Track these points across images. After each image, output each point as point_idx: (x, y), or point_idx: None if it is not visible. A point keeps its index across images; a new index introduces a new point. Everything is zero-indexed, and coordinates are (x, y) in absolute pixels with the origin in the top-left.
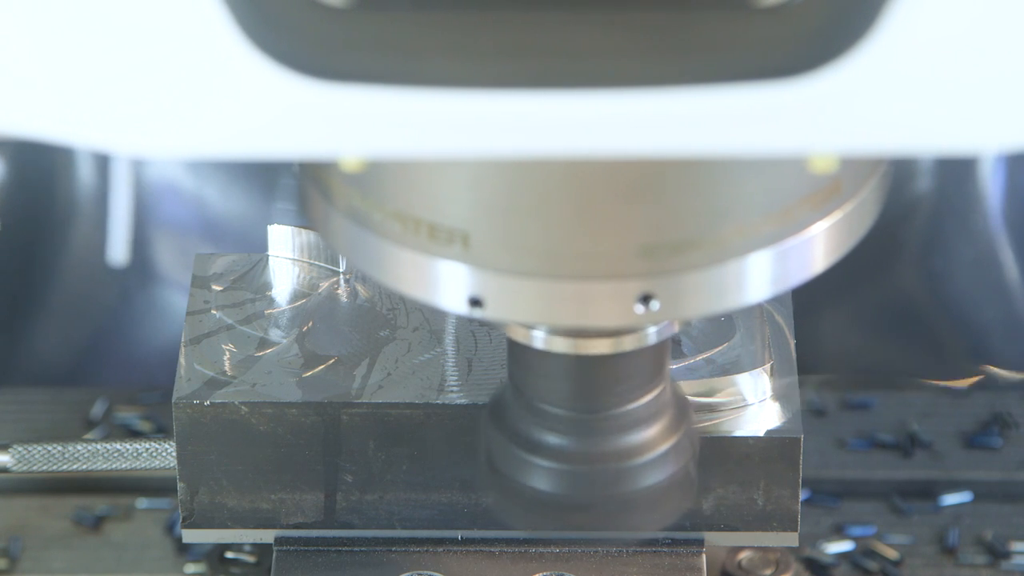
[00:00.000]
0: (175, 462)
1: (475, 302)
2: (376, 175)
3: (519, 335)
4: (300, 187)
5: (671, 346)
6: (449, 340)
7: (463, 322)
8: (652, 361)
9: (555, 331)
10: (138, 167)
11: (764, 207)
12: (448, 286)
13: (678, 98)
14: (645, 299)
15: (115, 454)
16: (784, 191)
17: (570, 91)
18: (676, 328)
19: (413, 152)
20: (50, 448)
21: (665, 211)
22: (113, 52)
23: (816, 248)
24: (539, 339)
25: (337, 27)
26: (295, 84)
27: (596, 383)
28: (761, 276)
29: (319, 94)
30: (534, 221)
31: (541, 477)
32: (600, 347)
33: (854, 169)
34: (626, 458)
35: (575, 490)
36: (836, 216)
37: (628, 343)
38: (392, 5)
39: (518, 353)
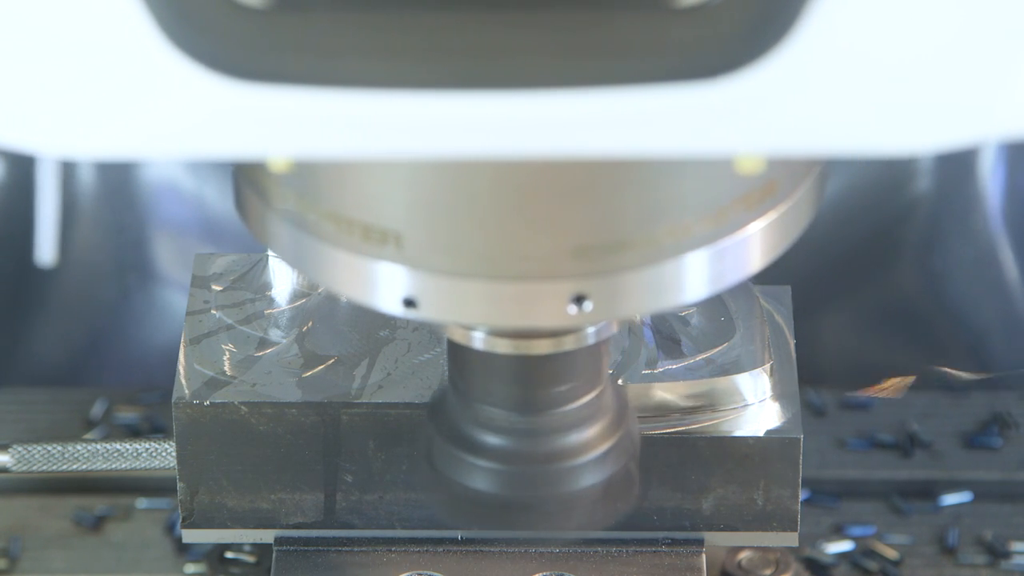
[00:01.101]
0: (175, 462)
1: (409, 303)
2: (309, 175)
3: (455, 335)
4: (236, 187)
5: (610, 346)
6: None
7: None
8: (590, 361)
9: (490, 331)
10: (138, 168)
11: (697, 208)
12: (382, 286)
13: (600, 99)
14: (578, 300)
15: (115, 454)
16: (717, 192)
17: (492, 92)
18: (615, 328)
19: (334, 153)
20: (50, 448)
21: (597, 212)
22: (34, 53)
23: (752, 248)
24: (474, 339)
25: (257, 28)
26: (216, 84)
27: (533, 383)
28: (696, 276)
29: (240, 94)
30: (466, 222)
31: (482, 477)
32: (536, 347)
33: (788, 169)
34: (566, 458)
35: (516, 490)
36: (771, 216)
37: (564, 343)
38: (311, 5)
39: (456, 353)
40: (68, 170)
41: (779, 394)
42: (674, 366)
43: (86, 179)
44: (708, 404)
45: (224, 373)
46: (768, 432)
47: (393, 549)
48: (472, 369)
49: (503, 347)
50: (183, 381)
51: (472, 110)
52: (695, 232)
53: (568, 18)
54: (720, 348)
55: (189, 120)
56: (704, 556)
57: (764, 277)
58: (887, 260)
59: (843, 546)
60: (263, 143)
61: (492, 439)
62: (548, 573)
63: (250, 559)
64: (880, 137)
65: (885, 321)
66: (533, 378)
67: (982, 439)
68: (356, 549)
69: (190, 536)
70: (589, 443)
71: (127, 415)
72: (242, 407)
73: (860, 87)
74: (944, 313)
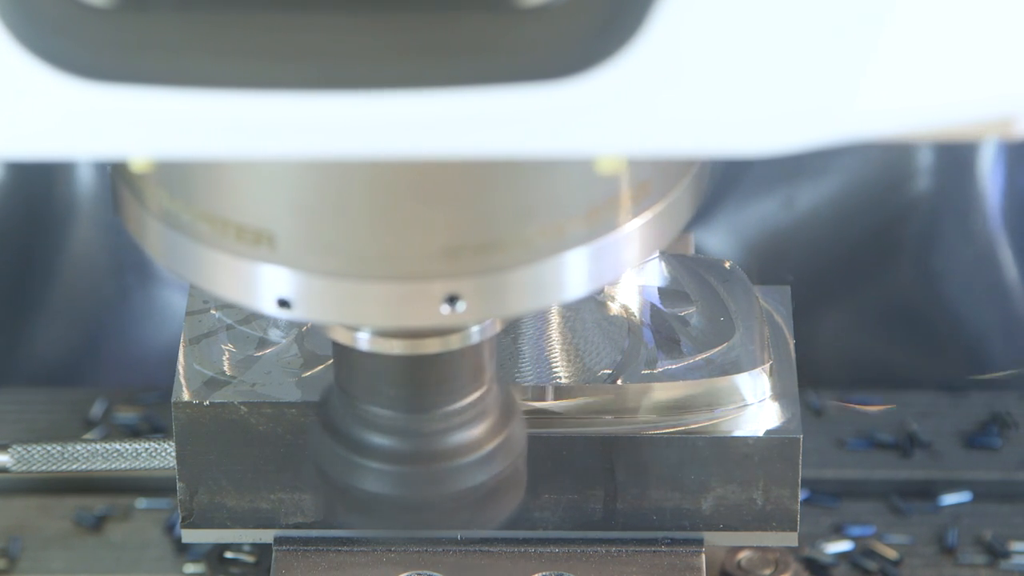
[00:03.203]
0: (174, 462)
1: (283, 303)
2: (182, 175)
3: (337, 334)
4: (112, 188)
5: (496, 345)
6: None
7: None
8: (473, 361)
9: (369, 331)
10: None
11: (568, 208)
12: (257, 287)
13: (449, 100)
14: (451, 300)
15: (114, 454)
16: (588, 192)
17: (340, 92)
18: (499, 328)
19: (187, 153)
20: (50, 448)
21: (465, 213)
22: None
23: (629, 246)
24: (354, 338)
25: (104, 27)
26: (63, 85)
27: (416, 383)
28: (571, 275)
29: (88, 94)
30: (336, 222)
31: (368, 478)
32: (415, 347)
33: (662, 169)
34: (452, 458)
35: (402, 490)
36: (647, 216)
37: (440, 343)
38: (157, 5)
39: (338, 353)
40: (68, 170)
41: (779, 394)
42: (674, 366)
43: (86, 179)
44: (708, 404)
45: (224, 373)
46: (768, 432)
47: (393, 549)
48: (354, 369)
49: (382, 347)
50: (183, 381)
51: (322, 110)
52: (568, 232)
53: (420, 19)
54: (720, 348)
55: (37, 121)
56: (704, 556)
57: (764, 277)
58: (886, 260)
59: (843, 546)
60: (114, 144)
61: (375, 439)
62: (548, 573)
63: (250, 559)
64: (731, 138)
65: (884, 321)
66: (414, 378)
67: (982, 439)
68: (356, 549)
69: (190, 536)
70: (475, 442)
71: (127, 415)
72: (242, 407)
73: (709, 88)
74: (943, 313)
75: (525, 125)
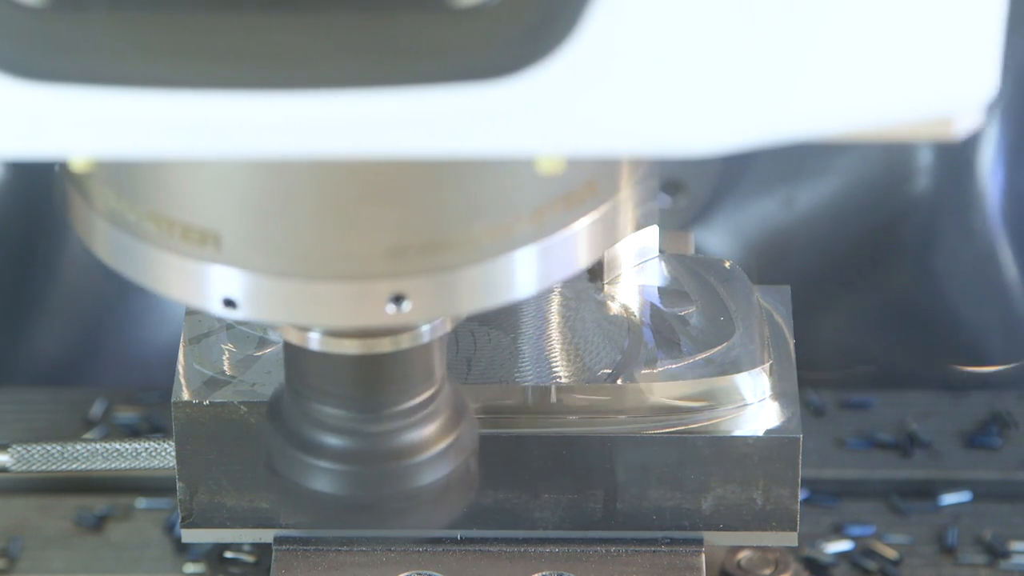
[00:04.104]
0: (174, 462)
1: (229, 303)
2: (127, 175)
3: (287, 334)
4: (61, 187)
5: (446, 345)
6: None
7: (462, 321)
8: (422, 360)
9: (317, 330)
10: None
11: (514, 208)
12: (203, 287)
13: (386, 99)
14: (397, 299)
15: (114, 454)
16: (533, 192)
17: (276, 92)
18: (449, 327)
19: (120, 153)
20: (49, 448)
21: (409, 212)
22: None
23: (577, 245)
24: (299, 336)
25: (37, 27)
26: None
27: (365, 383)
28: (518, 275)
29: (22, 94)
30: (281, 222)
31: (318, 477)
32: (363, 347)
33: (608, 168)
34: (403, 457)
35: (353, 490)
36: (594, 216)
37: (390, 343)
38: (90, 5)
39: (287, 352)
40: None
41: (778, 394)
42: (674, 366)
43: None
44: (708, 404)
45: (223, 373)
46: (767, 432)
47: (393, 549)
48: (302, 367)
49: (331, 346)
50: (182, 381)
51: (259, 110)
52: (515, 231)
53: (355, 19)
54: (719, 348)
55: None
56: (703, 556)
57: (764, 277)
58: (886, 259)
59: (842, 546)
60: (48, 144)
61: (326, 438)
62: (548, 573)
63: (250, 559)
64: (667, 138)
65: (884, 320)
66: (362, 377)
67: (982, 439)
68: (356, 549)
69: (190, 536)
70: (425, 441)
71: (126, 415)
72: (241, 407)
73: (644, 88)
74: (943, 313)
75: (460, 125)
